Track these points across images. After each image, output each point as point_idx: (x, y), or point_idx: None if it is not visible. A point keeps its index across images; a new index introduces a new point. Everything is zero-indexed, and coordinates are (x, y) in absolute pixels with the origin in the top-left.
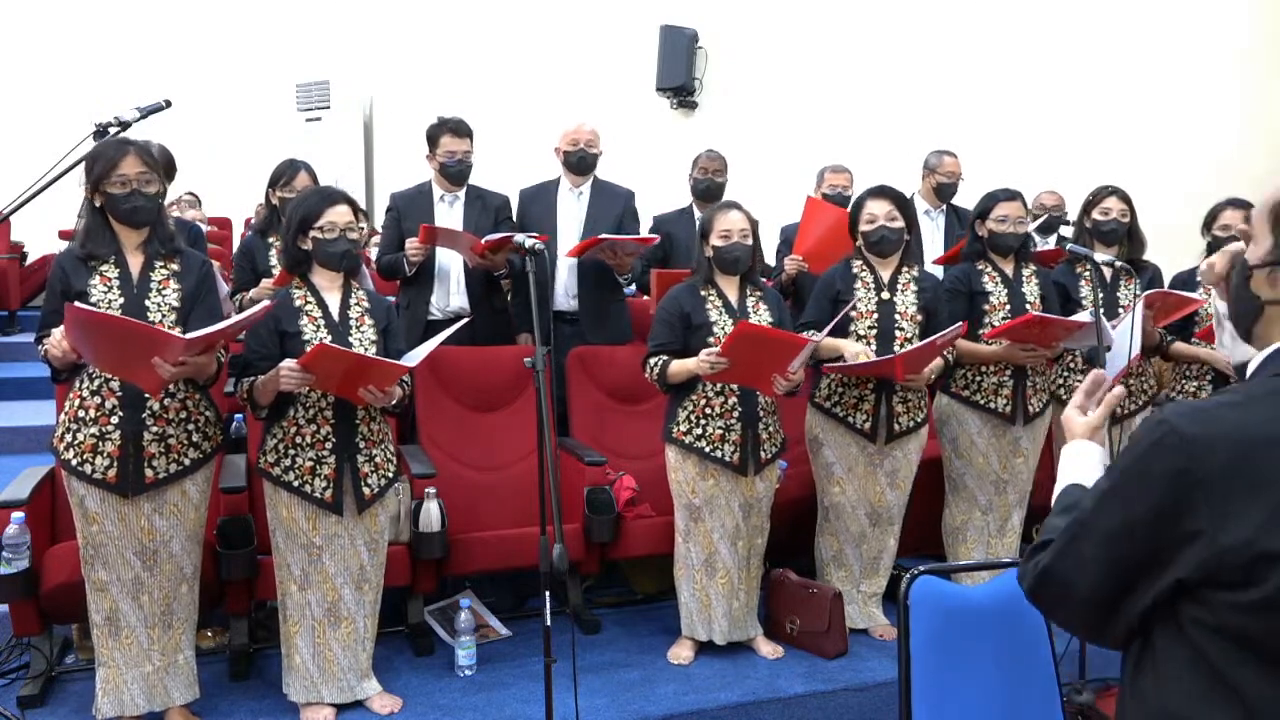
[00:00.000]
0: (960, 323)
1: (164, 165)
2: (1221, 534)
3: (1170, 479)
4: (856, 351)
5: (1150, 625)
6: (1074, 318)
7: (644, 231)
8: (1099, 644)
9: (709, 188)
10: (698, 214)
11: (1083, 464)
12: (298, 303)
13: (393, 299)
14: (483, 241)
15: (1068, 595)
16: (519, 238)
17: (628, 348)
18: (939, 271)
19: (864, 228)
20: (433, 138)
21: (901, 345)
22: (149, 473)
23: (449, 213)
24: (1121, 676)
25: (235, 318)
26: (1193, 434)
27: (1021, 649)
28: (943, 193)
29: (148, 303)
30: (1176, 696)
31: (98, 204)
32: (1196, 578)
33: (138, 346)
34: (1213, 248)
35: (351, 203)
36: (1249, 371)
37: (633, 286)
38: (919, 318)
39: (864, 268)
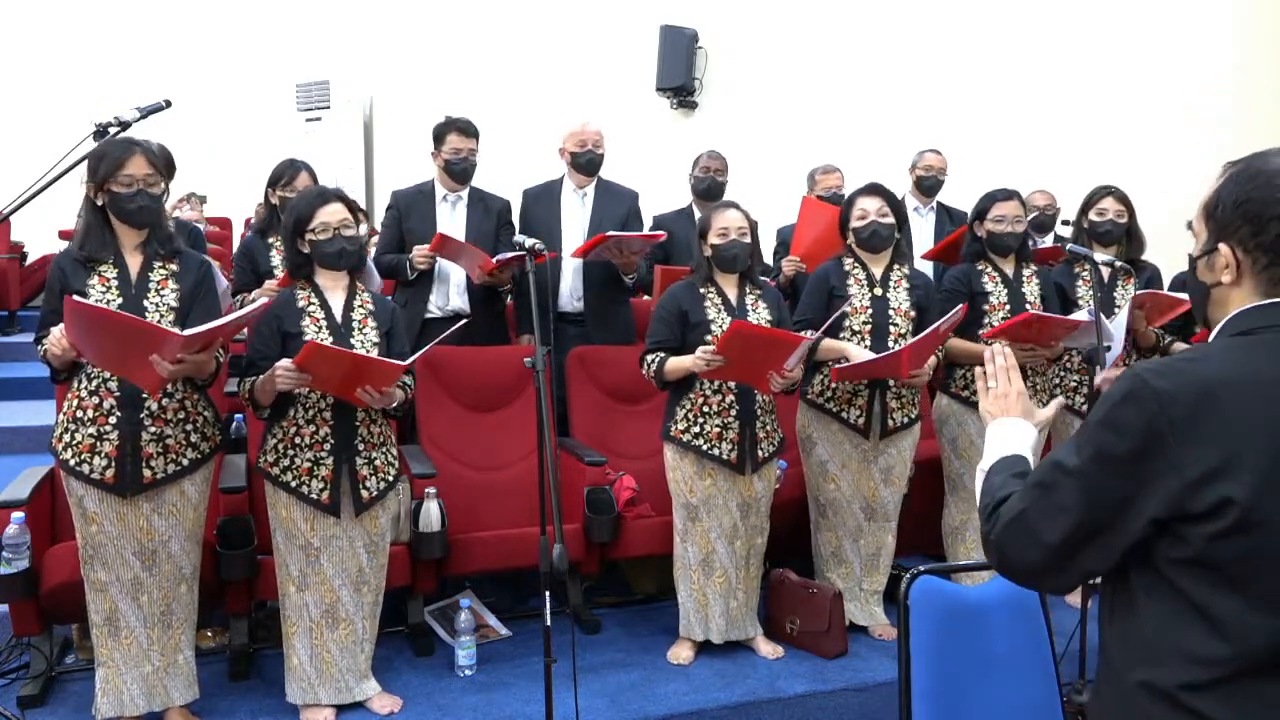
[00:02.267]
0: (960, 305)
1: (165, 165)
2: (1187, 470)
3: (1142, 426)
4: (862, 358)
5: (1126, 571)
6: (1073, 316)
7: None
8: (1051, 590)
9: (710, 187)
10: (697, 213)
11: (1020, 440)
12: (301, 303)
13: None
14: (494, 261)
15: (1036, 542)
16: (518, 238)
17: (627, 347)
18: (927, 266)
19: (855, 224)
20: (439, 135)
21: (896, 341)
22: (147, 473)
23: (450, 214)
24: (1100, 627)
25: (233, 315)
26: (1160, 386)
27: (1022, 649)
28: (921, 186)
29: (146, 303)
30: (1158, 630)
31: (100, 203)
32: (1168, 514)
33: (135, 343)
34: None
35: (345, 200)
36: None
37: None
38: (912, 314)
39: (855, 265)
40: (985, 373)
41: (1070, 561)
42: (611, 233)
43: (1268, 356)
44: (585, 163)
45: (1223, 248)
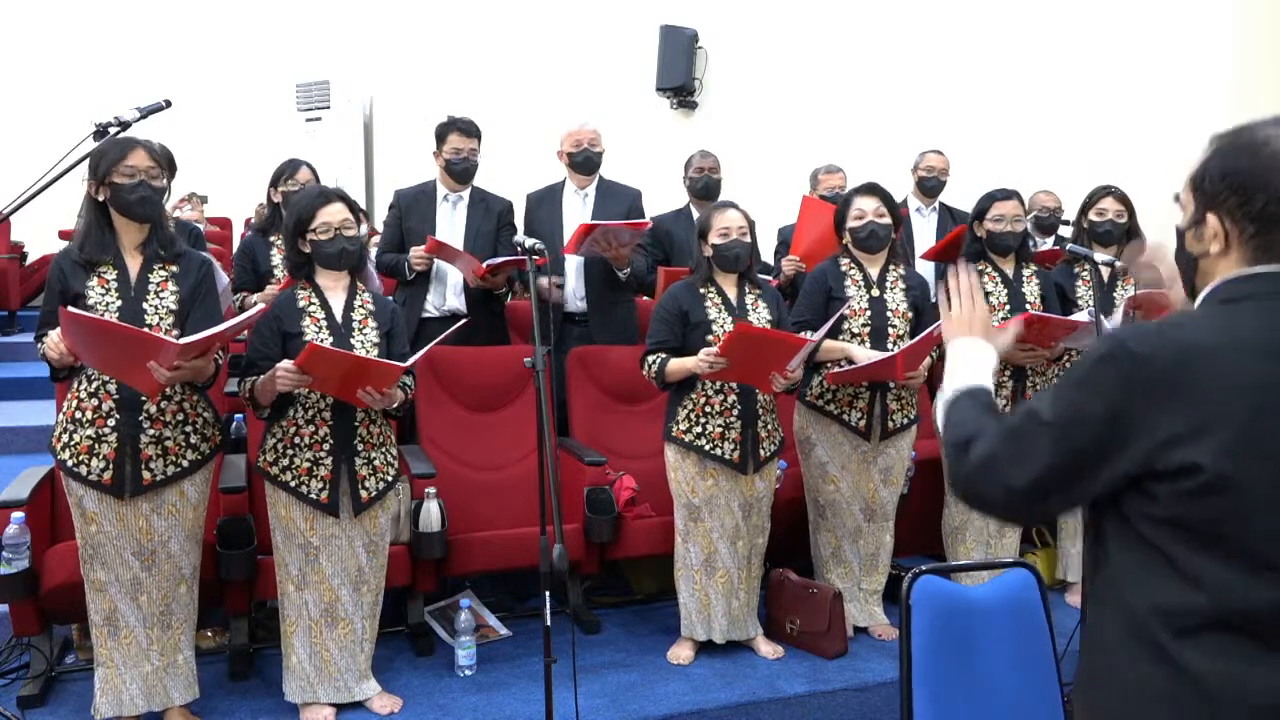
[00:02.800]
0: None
1: (167, 163)
2: (1159, 431)
3: (1117, 386)
4: (865, 359)
5: (1100, 523)
6: (1072, 316)
7: (644, 239)
8: (1018, 523)
9: (707, 185)
10: (695, 213)
11: (981, 365)
12: (301, 303)
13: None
14: (484, 266)
15: (1004, 485)
16: (518, 238)
17: (627, 348)
18: (928, 266)
19: (852, 224)
20: (441, 135)
21: (895, 342)
22: (146, 475)
23: (452, 214)
24: (1086, 580)
25: (230, 322)
26: (1137, 349)
27: (1022, 648)
28: (924, 187)
29: (145, 305)
30: (1136, 582)
31: (101, 198)
32: (1139, 471)
33: (132, 350)
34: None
35: (346, 200)
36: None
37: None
38: (909, 315)
39: (852, 265)
40: (948, 291)
41: (1036, 505)
42: (595, 221)
43: (1247, 323)
44: (582, 162)
45: (1210, 218)
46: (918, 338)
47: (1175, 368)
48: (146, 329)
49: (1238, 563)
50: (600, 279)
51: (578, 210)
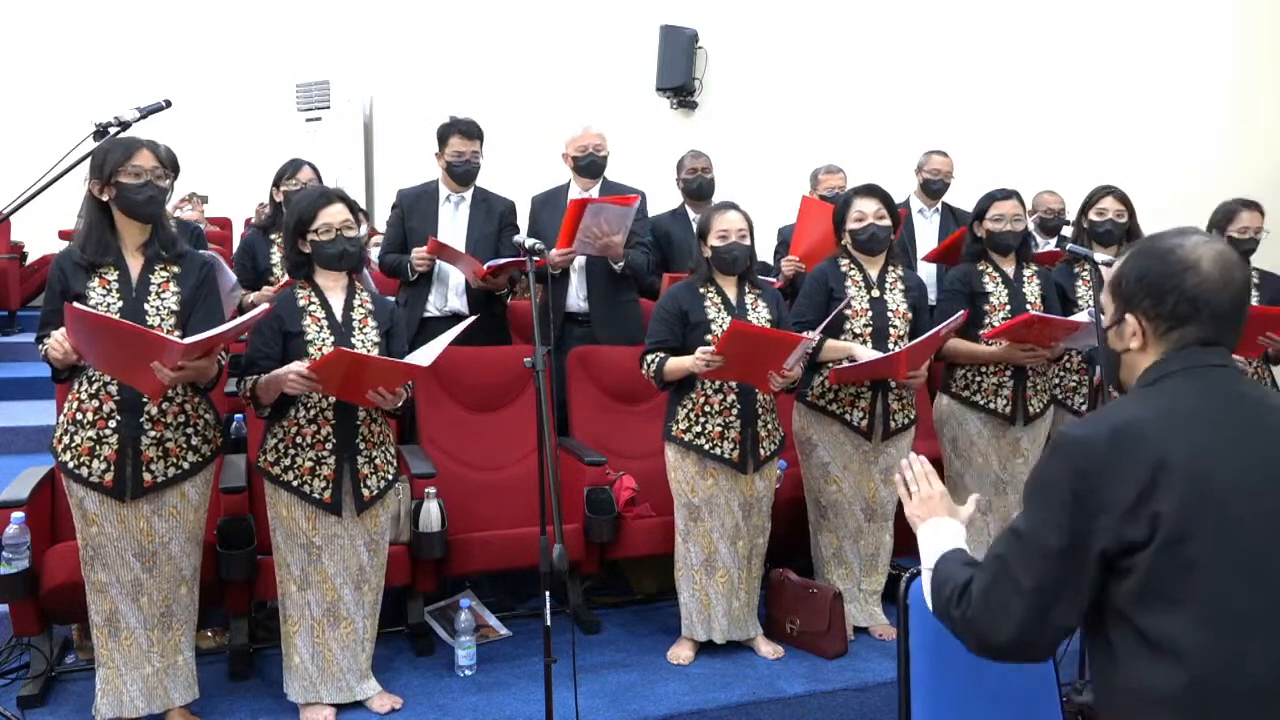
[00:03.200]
0: (961, 311)
1: (171, 164)
2: (1118, 503)
3: (1068, 474)
4: (868, 358)
5: (1102, 622)
6: (1072, 318)
7: (646, 237)
8: (1033, 660)
9: (701, 185)
10: (690, 213)
11: (952, 537)
12: (301, 303)
13: (392, 298)
14: (485, 267)
15: (1006, 613)
16: (518, 238)
17: (627, 348)
18: (930, 268)
19: (852, 225)
20: (442, 137)
21: (895, 342)
22: (147, 477)
23: (454, 214)
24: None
25: (234, 322)
26: (1078, 435)
27: None
28: (929, 189)
29: (146, 306)
30: (1127, 673)
31: (105, 198)
32: (1113, 548)
33: (136, 350)
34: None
35: (347, 201)
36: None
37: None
38: (908, 315)
39: (852, 266)
40: (904, 480)
41: (1043, 624)
42: (585, 197)
43: (1179, 392)
44: (587, 166)
45: (1129, 318)
46: (922, 337)
47: (1115, 441)
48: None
49: (1206, 621)
50: (603, 278)
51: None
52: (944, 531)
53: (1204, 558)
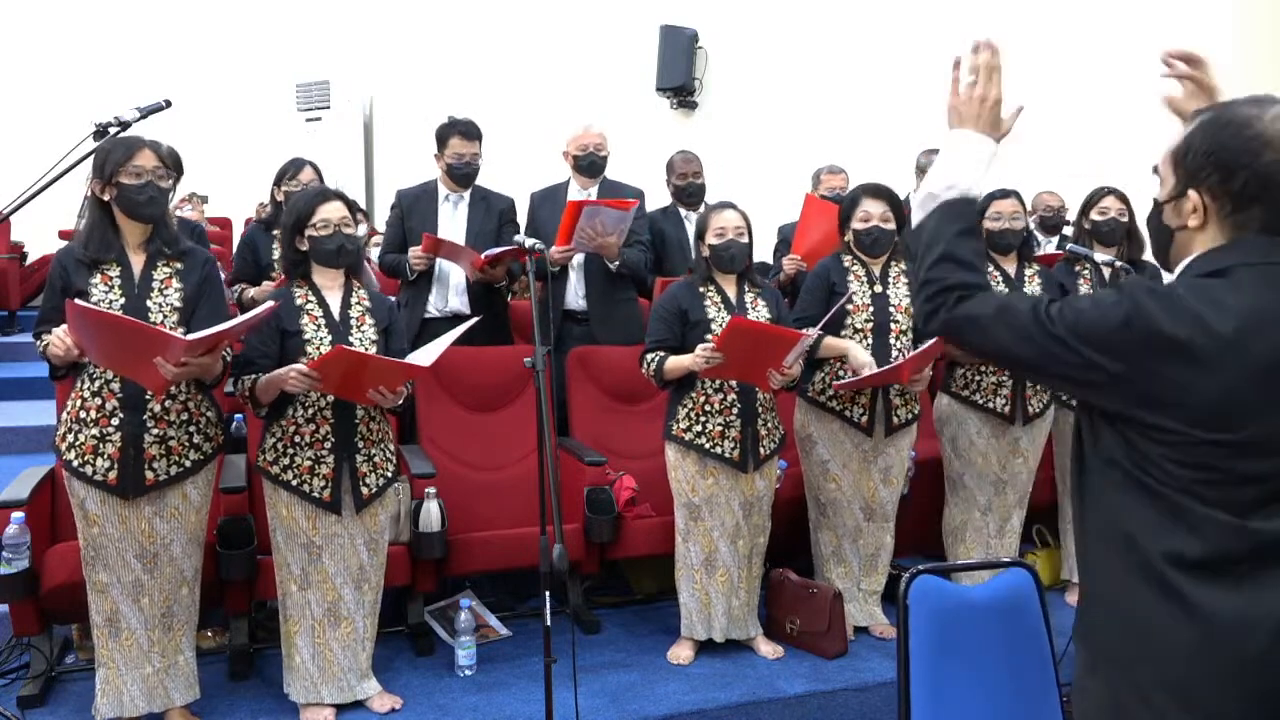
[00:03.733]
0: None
1: (173, 165)
2: (1145, 389)
3: (1120, 324)
4: (864, 362)
5: (1088, 467)
6: None
7: (644, 235)
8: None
9: (693, 191)
10: (682, 211)
11: (974, 160)
12: (299, 301)
13: (393, 298)
14: (483, 256)
15: (986, 345)
16: (519, 238)
17: (627, 347)
18: None
19: (857, 225)
20: (442, 138)
21: (897, 338)
22: (149, 475)
23: (453, 213)
24: (1074, 525)
25: (239, 318)
26: (1146, 304)
27: (1021, 649)
28: None
29: (149, 303)
30: (1124, 520)
31: (106, 198)
32: (1114, 411)
33: (140, 345)
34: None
35: (345, 199)
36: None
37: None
38: (912, 310)
39: (855, 262)
40: (963, 66)
41: (1007, 366)
42: (580, 197)
43: (1252, 291)
44: (587, 165)
45: (1191, 193)
46: (923, 346)
47: (1185, 338)
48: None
49: (1229, 509)
50: (601, 277)
51: (575, 199)
52: (969, 155)
53: (1246, 451)
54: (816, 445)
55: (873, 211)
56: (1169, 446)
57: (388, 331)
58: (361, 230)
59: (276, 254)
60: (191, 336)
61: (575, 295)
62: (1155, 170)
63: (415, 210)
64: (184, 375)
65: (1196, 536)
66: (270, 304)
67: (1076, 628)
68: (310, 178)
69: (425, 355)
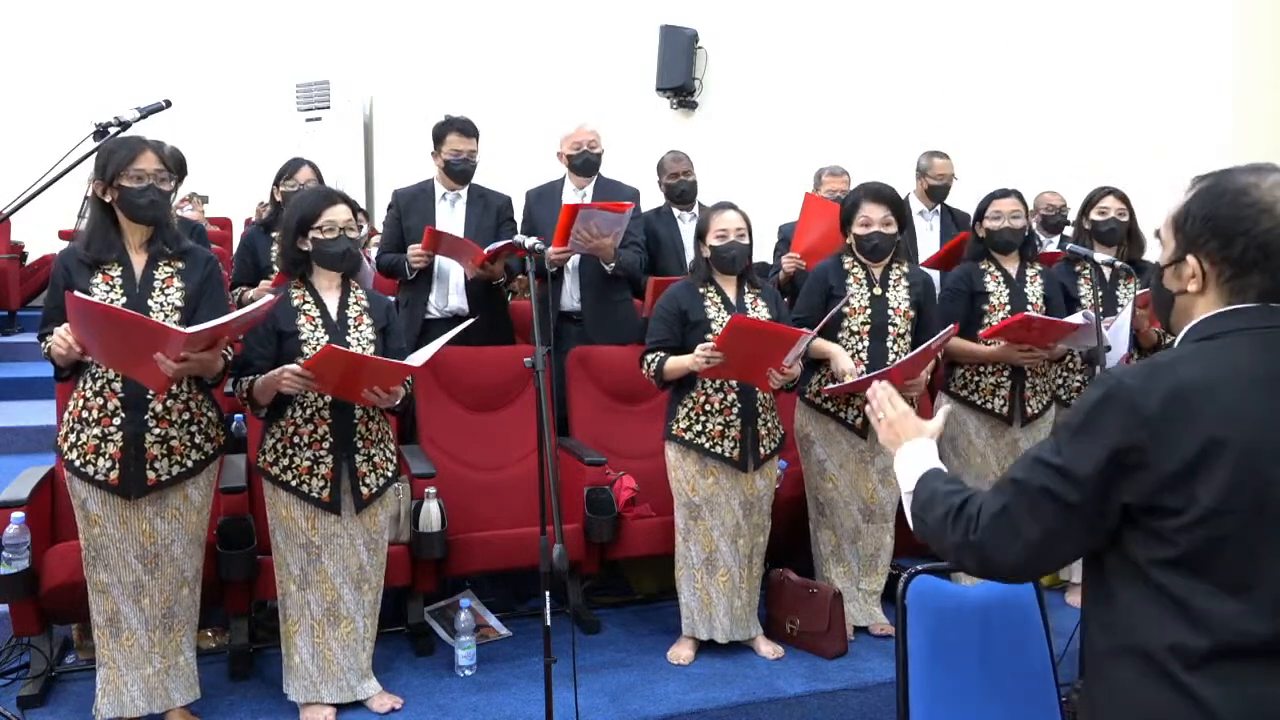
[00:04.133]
0: (953, 324)
1: (175, 166)
2: (1164, 462)
3: (1113, 425)
4: (845, 370)
5: (1102, 562)
6: (1068, 319)
7: (639, 236)
8: (1023, 580)
9: (685, 190)
10: (675, 211)
11: (927, 457)
12: (296, 302)
13: (392, 298)
14: (485, 251)
15: (1018, 536)
16: (519, 238)
17: (627, 348)
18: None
19: (858, 229)
20: (439, 136)
21: (895, 341)
22: (151, 475)
23: (450, 212)
24: (1083, 616)
25: (237, 313)
26: (1132, 385)
27: (1020, 649)
28: (935, 194)
29: (150, 302)
30: (1135, 621)
31: (108, 199)
32: (1140, 504)
33: (139, 340)
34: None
35: (350, 202)
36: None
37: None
38: (911, 313)
39: (854, 264)
40: (871, 408)
41: (1052, 553)
42: (579, 203)
43: (1242, 355)
44: (582, 164)
45: (1190, 259)
46: (915, 351)
47: (1173, 401)
48: None
49: (1240, 593)
50: (596, 278)
51: (571, 203)
52: (919, 453)
53: (1245, 534)
54: (814, 445)
55: (873, 216)
56: (1187, 530)
57: (385, 331)
58: (363, 232)
59: (275, 256)
60: (190, 329)
61: (570, 296)
62: (1157, 234)
63: (413, 209)
64: (185, 371)
65: (1200, 629)
66: (269, 298)
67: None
68: (308, 177)
69: (418, 356)
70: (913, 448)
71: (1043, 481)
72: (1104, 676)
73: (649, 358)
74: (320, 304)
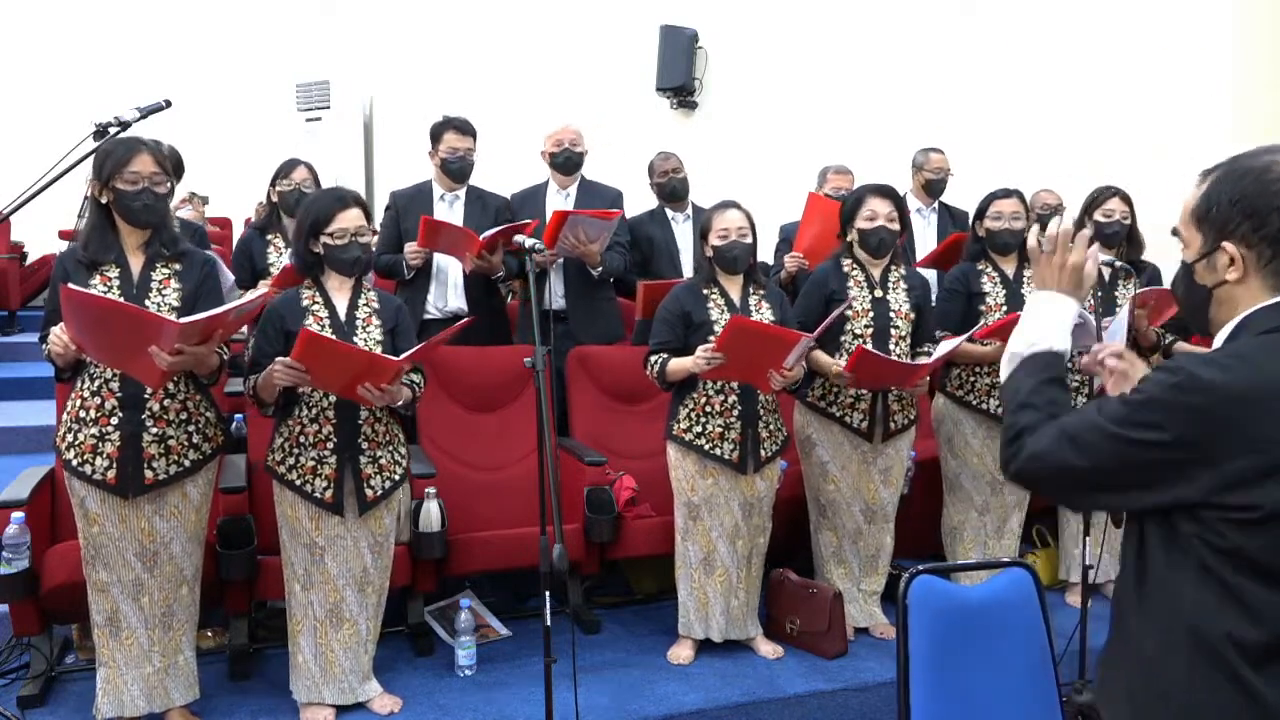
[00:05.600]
0: (959, 338)
1: (173, 166)
2: (1228, 467)
3: (1188, 416)
4: (835, 373)
5: (1146, 539)
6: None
7: (623, 237)
8: (1083, 509)
9: (675, 187)
10: (669, 212)
11: (1056, 320)
12: (305, 302)
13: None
14: (481, 238)
15: (1055, 481)
16: (518, 238)
17: (628, 348)
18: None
19: (862, 224)
20: (436, 135)
21: (896, 344)
22: (148, 474)
23: (448, 212)
24: (1122, 589)
25: (230, 305)
26: (1207, 377)
27: (1021, 649)
28: (932, 189)
29: (147, 303)
30: (1187, 606)
31: (104, 200)
32: (1196, 499)
33: (133, 333)
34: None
35: (362, 205)
36: (1220, 341)
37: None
38: (911, 316)
39: (854, 266)
40: (1044, 235)
41: (1084, 496)
42: (568, 210)
43: None
44: (563, 162)
45: (1226, 245)
46: (939, 354)
47: (1248, 402)
48: None
49: None
50: (579, 277)
51: (560, 209)
52: (1052, 314)
53: None
54: (816, 447)
55: (879, 210)
56: (1249, 527)
57: (395, 332)
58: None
59: (272, 258)
60: (184, 320)
61: (555, 295)
62: (1175, 233)
63: (411, 210)
64: (180, 365)
65: (1257, 621)
66: (263, 291)
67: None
68: (304, 177)
69: (405, 353)
70: (1054, 305)
71: (1093, 444)
72: (1153, 674)
73: (652, 359)
74: (329, 305)
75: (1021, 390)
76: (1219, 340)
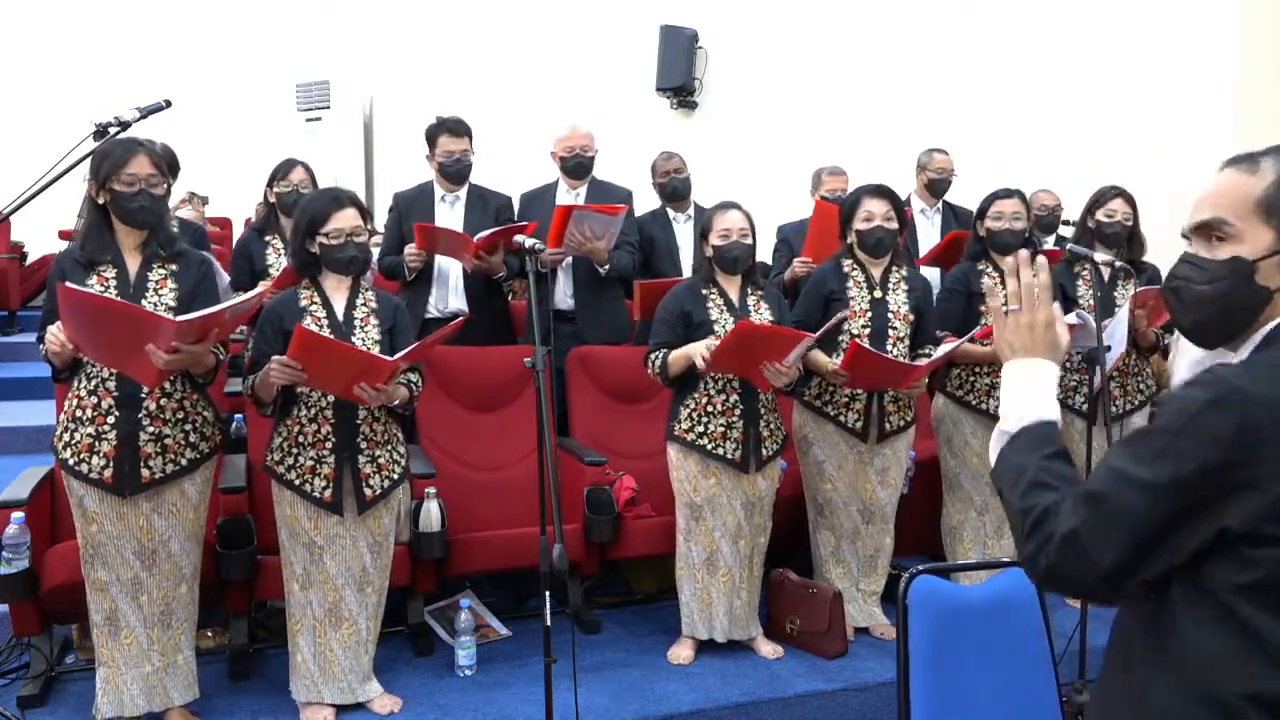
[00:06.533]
0: (954, 344)
1: (169, 166)
2: (1276, 487)
3: (1232, 433)
4: (831, 370)
5: (1168, 588)
6: (1065, 319)
7: (633, 237)
8: (1109, 604)
9: (676, 187)
10: (670, 212)
11: (1040, 389)
12: (303, 303)
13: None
14: (475, 240)
15: (1090, 564)
16: (518, 238)
17: (628, 348)
18: (923, 272)
19: (860, 225)
20: (431, 138)
21: (894, 345)
22: (145, 473)
23: (450, 212)
24: (1132, 642)
25: (227, 303)
26: (1252, 391)
27: (1021, 649)
28: (935, 189)
29: (144, 302)
30: (1208, 657)
31: (101, 201)
32: (1240, 529)
33: (130, 331)
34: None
35: (359, 205)
36: (1247, 351)
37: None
38: (910, 317)
39: (854, 266)
40: (1002, 292)
41: (1130, 577)
42: (573, 204)
43: None
44: (574, 166)
45: None
46: (938, 355)
47: None
48: None
49: None
50: (588, 277)
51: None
52: (1033, 383)
53: None
54: (813, 446)
55: (876, 211)
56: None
57: (392, 332)
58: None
59: (271, 259)
60: (180, 318)
61: (563, 295)
62: (1184, 234)
63: (413, 211)
64: (176, 364)
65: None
66: (260, 289)
67: None
68: (301, 178)
69: (400, 352)
70: (1033, 373)
71: (1125, 500)
72: (1150, 710)
73: (653, 356)
74: (327, 304)
75: (1027, 470)
76: (1245, 350)
